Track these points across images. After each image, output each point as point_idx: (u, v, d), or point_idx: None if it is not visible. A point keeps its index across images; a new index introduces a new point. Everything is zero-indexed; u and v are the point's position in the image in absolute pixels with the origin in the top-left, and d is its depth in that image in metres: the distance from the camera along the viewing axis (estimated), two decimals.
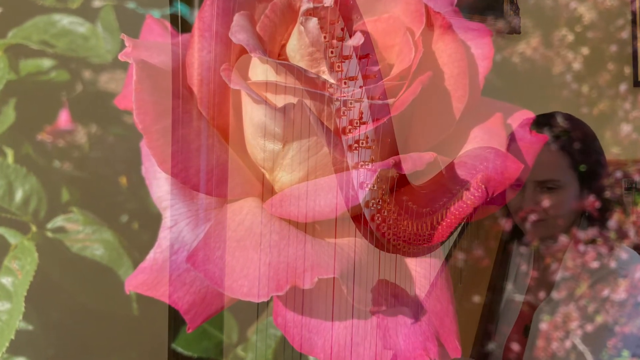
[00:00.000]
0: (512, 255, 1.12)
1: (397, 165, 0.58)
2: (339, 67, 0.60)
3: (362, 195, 0.58)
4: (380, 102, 0.61)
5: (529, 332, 1.05)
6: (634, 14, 1.57)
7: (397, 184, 0.63)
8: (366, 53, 0.63)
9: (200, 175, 0.59)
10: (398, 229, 0.61)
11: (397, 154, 0.61)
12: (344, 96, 0.59)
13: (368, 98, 0.60)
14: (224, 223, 0.60)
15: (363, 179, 0.58)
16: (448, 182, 0.62)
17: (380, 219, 0.61)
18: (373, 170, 0.58)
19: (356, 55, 0.60)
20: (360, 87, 0.60)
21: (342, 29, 0.60)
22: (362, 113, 0.60)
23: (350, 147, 0.60)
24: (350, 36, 0.61)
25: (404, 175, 0.60)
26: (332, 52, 0.60)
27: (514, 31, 1.32)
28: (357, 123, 0.60)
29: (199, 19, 0.63)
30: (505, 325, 1.08)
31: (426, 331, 0.60)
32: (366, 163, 0.59)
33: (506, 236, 1.10)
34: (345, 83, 0.59)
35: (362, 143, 0.60)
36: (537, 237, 1.08)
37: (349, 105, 0.59)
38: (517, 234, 1.11)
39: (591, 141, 1.10)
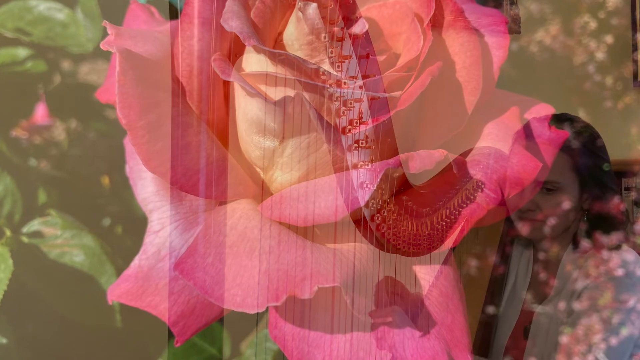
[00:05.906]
0: (512, 256, 1.14)
1: (404, 163, 0.58)
2: (338, 67, 0.60)
3: (365, 196, 0.58)
4: (385, 95, 0.61)
5: (529, 334, 1.07)
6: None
7: (397, 183, 0.63)
8: (366, 53, 0.63)
9: (189, 175, 0.59)
10: (398, 229, 0.61)
11: (397, 154, 0.61)
12: (344, 95, 0.59)
13: (368, 96, 0.60)
14: (215, 227, 0.60)
15: (363, 179, 0.59)
16: (458, 182, 0.62)
17: (380, 219, 0.61)
18: (378, 170, 0.58)
19: (355, 53, 0.61)
20: (360, 87, 0.60)
21: (342, 29, 0.60)
22: (361, 113, 0.60)
23: (349, 147, 0.60)
24: (350, 34, 0.62)
25: (404, 174, 0.61)
26: (332, 53, 0.60)
27: (514, 31, 1.32)
28: (356, 123, 0.60)
29: (188, 4, 0.63)
30: (505, 327, 1.10)
31: (436, 345, 0.60)
32: (366, 163, 0.60)
33: (506, 237, 1.11)
34: (345, 83, 0.60)
35: (362, 143, 0.60)
36: (534, 239, 1.10)
37: (349, 105, 0.59)
38: (517, 235, 1.12)
39: (595, 142, 1.11)
